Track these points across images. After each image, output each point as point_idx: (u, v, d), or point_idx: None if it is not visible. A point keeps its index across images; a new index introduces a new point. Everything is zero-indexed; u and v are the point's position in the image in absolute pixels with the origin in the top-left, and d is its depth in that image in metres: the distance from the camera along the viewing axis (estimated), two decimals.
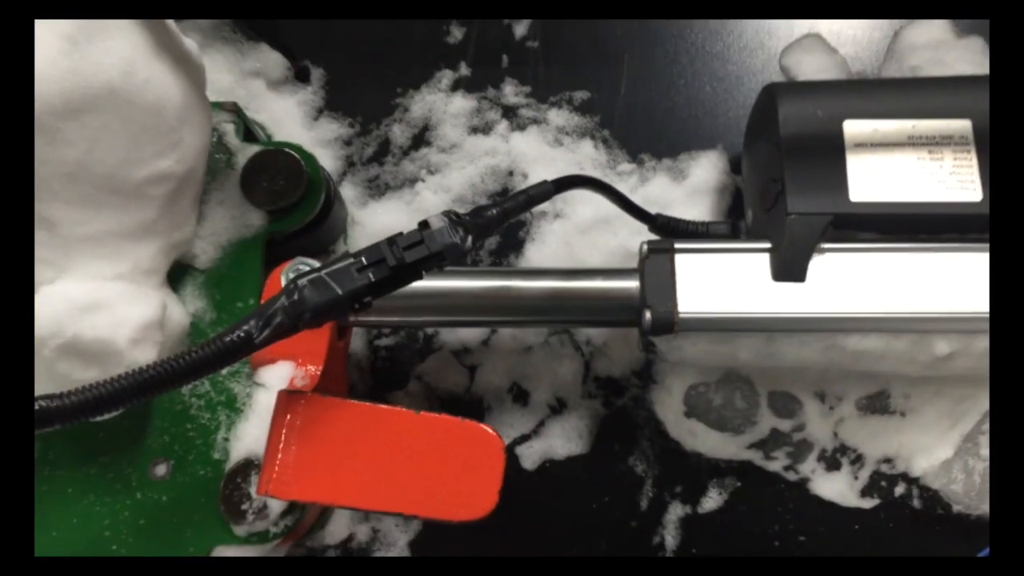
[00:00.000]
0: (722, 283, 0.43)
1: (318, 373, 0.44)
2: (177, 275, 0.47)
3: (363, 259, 0.37)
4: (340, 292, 0.36)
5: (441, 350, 0.55)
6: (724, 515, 0.52)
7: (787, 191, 0.43)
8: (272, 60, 0.58)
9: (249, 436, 0.44)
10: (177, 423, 0.46)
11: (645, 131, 0.58)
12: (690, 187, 0.56)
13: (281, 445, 0.40)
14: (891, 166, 0.44)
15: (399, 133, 0.59)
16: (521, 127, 0.59)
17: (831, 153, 0.44)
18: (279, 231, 0.49)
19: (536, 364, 0.54)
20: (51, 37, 0.37)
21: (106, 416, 0.33)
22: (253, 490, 0.43)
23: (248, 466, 0.44)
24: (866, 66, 0.59)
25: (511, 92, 0.60)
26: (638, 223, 0.50)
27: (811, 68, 0.56)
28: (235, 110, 0.50)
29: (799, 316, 0.43)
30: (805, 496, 0.51)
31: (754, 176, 0.50)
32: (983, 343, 0.43)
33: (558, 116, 0.59)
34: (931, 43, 0.54)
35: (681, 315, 0.43)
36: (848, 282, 0.43)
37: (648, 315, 0.43)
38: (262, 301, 0.46)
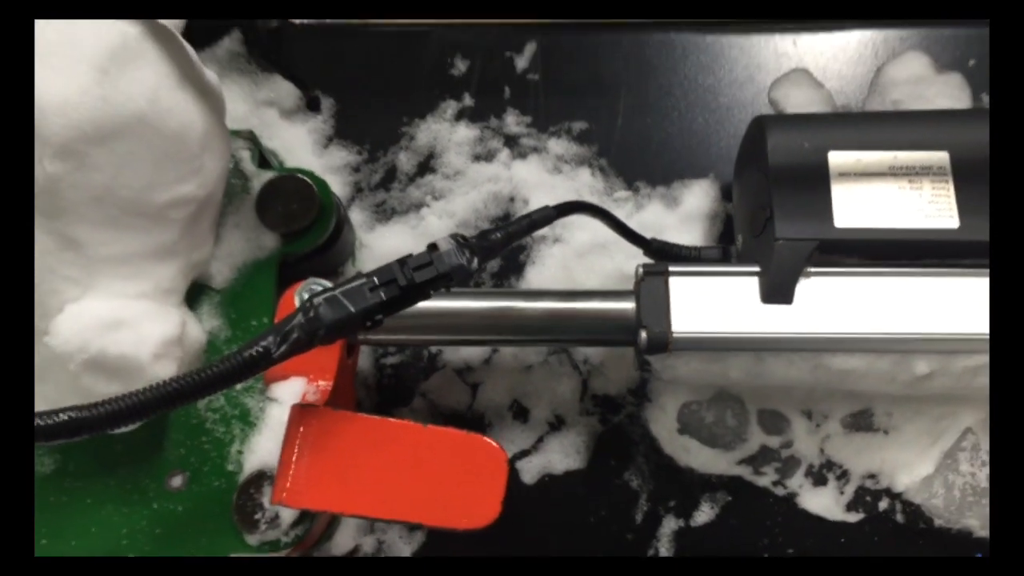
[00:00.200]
0: (714, 305, 0.45)
1: (329, 388, 0.46)
2: (194, 294, 0.49)
3: (375, 279, 0.38)
4: (353, 310, 0.38)
5: (444, 368, 0.57)
6: (716, 528, 0.53)
7: (775, 218, 0.45)
8: (285, 90, 0.61)
9: (262, 449, 0.46)
10: (193, 436, 0.47)
11: (640, 160, 0.61)
12: (683, 214, 0.59)
13: (294, 456, 0.41)
14: (873, 195, 0.46)
15: (405, 160, 0.61)
16: (522, 155, 0.61)
17: (817, 182, 0.46)
18: (292, 253, 0.51)
19: (536, 382, 0.56)
20: (83, 67, 0.39)
21: (135, 426, 0.35)
22: (266, 500, 0.44)
23: (261, 477, 0.45)
24: (850, 100, 0.61)
25: (513, 122, 0.62)
26: (632, 248, 0.52)
27: (798, 101, 0.58)
28: (251, 138, 0.53)
29: (787, 336, 0.45)
30: (793, 510, 0.53)
31: (744, 203, 0.52)
32: (961, 363, 0.45)
33: (557, 145, 0.61)
34: (912, 78, 0.57)
35: (675, 335, 0.45)
36: (833, 304, 0.45)
37: (644, 334, 0.45)
38: (275, 320, 0.48)
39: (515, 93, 0.63)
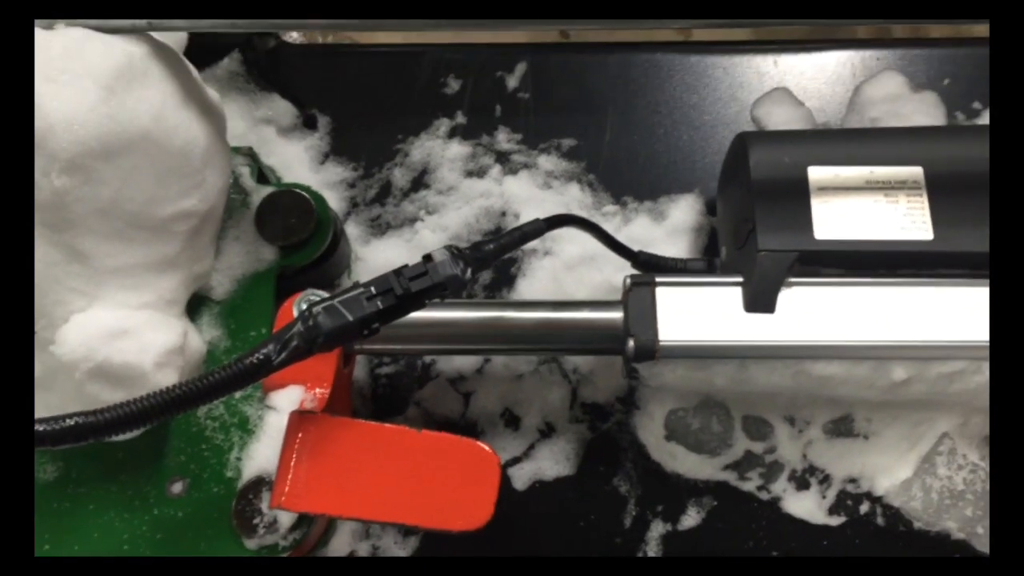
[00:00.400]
0: (699, 314, 0.47)
1: (326, 395, 0.47)
2: (195, 305, 0.51)
3: (372, 288, 0.40)
4: (351, 318, 0.39)
5: (438, 378, 0.58)
6: (702, 532, 0.55)
7: (757, 230, 0.47)
8: (282, 108, 0.62)
9: (260, 455, 0.47)
10: (193, 443, 0.48)
11: (628, 175, 0.62)
12: (669, 227, 0.60)
13: (293, 461, 0.43)
14: (851, 208, 0.47)
15: (400, 176, 0.63)
16: (513, 171, 0.63)
17: (797, 196, 0.47)
18: (290, 265, 0.52)
19: (527, 391, 0.58)
20: (91, 86, 0.41)
21: (138, 431, 0.36)
22: (264, 506, 0.46)
23: (259, 483, 0.46)
24: (830, 117, 0.63)
25: (504, 139, 0.64)
26: (620, 260, 0.54)
27: (780, 119, 0.60)
28: (251, 154, 0.54)
29: (769, 344, 0.46)
30: (777, 514, 0.54)
31: (727, 217, 0.54)
32: (936, 369, 0.47)
33: (547, 161, 0.63)
34: (888, 97, 0.59)
35: (662, 343, 0.46)
36: (813, 313, 0.46)
37: (632, 343, 0.46)
38: (273, 330, 0.50)
39: (506, 111, 0.64)
